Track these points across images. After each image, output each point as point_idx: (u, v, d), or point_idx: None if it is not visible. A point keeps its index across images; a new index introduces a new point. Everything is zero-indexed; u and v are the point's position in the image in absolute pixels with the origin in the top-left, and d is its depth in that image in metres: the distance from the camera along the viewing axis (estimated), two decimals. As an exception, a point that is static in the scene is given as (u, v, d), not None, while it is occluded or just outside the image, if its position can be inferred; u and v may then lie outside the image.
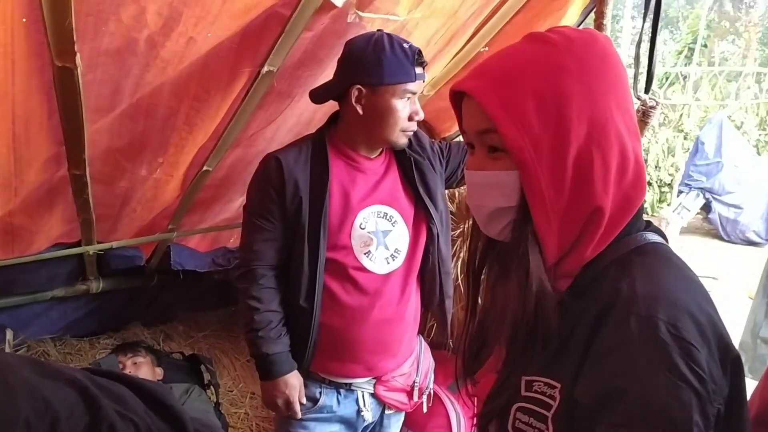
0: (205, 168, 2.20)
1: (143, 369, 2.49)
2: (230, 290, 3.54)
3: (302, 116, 2.06)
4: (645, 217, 0.83)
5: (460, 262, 2.15)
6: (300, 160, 1.50)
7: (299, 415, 1.54)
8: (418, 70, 1.46)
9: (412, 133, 1.53)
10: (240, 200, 2.61)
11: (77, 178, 1.92)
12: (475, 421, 0.87)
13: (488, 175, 0.80)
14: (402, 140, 1.52)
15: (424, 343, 1.76)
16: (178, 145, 1.96)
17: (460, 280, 2.07)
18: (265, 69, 1.68)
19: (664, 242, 0.80)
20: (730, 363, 0.69)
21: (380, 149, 1.58)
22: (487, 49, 2.11)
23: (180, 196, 2.40)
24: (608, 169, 0.74)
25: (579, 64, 0.74)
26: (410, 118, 1.49)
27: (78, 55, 1.35)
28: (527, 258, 0.78)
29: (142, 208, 2.36)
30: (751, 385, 0.77)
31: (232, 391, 2.79)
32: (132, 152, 1.94)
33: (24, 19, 1.25)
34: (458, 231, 2.24)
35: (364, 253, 1.51)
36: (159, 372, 2.58)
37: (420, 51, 1.47)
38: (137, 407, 1.01)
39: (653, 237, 0.78)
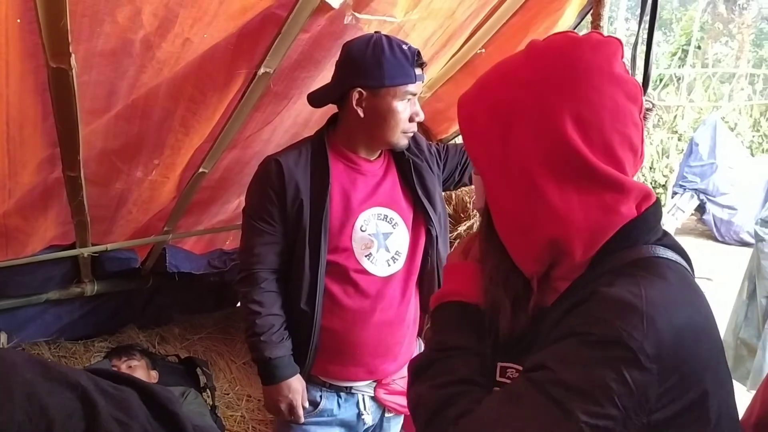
0: (201, 170, 2.18)
1: (138, 372, 2.47)
2: (226, 292, 3.53)
3: (299, 117, 2.05)
4: None
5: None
6: (300, 163, 1.50)
7: (302, 419, 1.53)
8: (418, 71, 1.46)
9: (412, 134, 1.53)
10: (236, 202, 2.60)
11: (72, 180, 1.91)
12: None
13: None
14: (403, 142, 1.52)
15: (424, 346, 1.75)
16: (173, 146, 1.94)
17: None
18: (262, 70, 1.67)
19: (675, 258, 0.76)
20: (695, 398, 0.68)
21: (380, 151, 1.58)
22: (484, 50, 2.11)
23: (176, 198, 2.39)
24: (561, 180, 0.73)
25: (538, 76, 0.75)
26: (411, 119, 1.49)
27: (73, 56, 1.34)
28: (489, 264, 0.83)
29: (137, 209, 2.34)
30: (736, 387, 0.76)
31: (228, 394, 2.77)
32: (127, 154, 1.93)
33: (18, 20, 1.23)
34: (455, 233, 2.23)
35: (365, 256, 1.50)
36: (154, 375, 2.56)
37: (419, 52, 1.47)
38: (139, 413, 1.00)
39: (661, 251, 0.76)
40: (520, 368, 0.78)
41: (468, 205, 2.37)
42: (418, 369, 0.85)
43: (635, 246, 0.75)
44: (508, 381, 0.81)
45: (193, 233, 2.84)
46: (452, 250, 0.95)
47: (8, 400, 0.84)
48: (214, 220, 2.77)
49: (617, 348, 0.65)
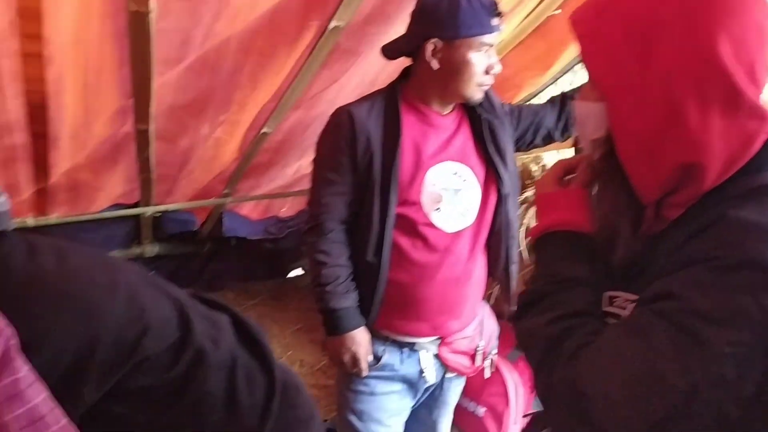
0: (264, 130, 2.19)
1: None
2: (279, 261, 3.55)
3: (366, 77, 2.02)
4: None
5: (523, 229, 2.09)
6: (372, 114, 1.47)
7: (365, 372, 1.51)
8: (495, 21, 1.41)
9: (488, 87, 1.49)
10: (295, 166, 2.60)
11: (142, 134, 1.93)
12: None
13: (583, 105, 0.82)
14: (477, 95, 1.48)
15: (488, 308, 1.72)
16: (241, 102, 1.95)
17: (523, 248, 2.01)
18: (333, 24, 1.65)
19: None
20: None
21: (453, 105, 1.54)
22: (560, 11, 2.03)
23: (237, 160, 2.41)
24: (706, 104, 0.68)
25: None
26: (487, 72, 1.44)
27: (152, -4, 1.34)
28: (609, 192, 0.80)
29: (200, 169, 2.36)
30: None
31: (281, 358, 2.80)
32: (196, 109, 1.94)
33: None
34: (522, 197, 2.18)
35: (434, 210, 1.48)
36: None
37: (496, 1, 1.42)
38: (229, 336, 1.03)
39: None
40: (630, 297, 0.75)
41: (533, 173, 2.32)
42: (528, 302, 0.81)
43: (761, 172, 0.71)
44: (616, 310, 0.77)
45: (251, 198, 2.86)
46: (541, 179, 0.91)
47: (112, 294, 0.87)
48: (272, 185, 2.78)
49: (753, 272, 0.62)
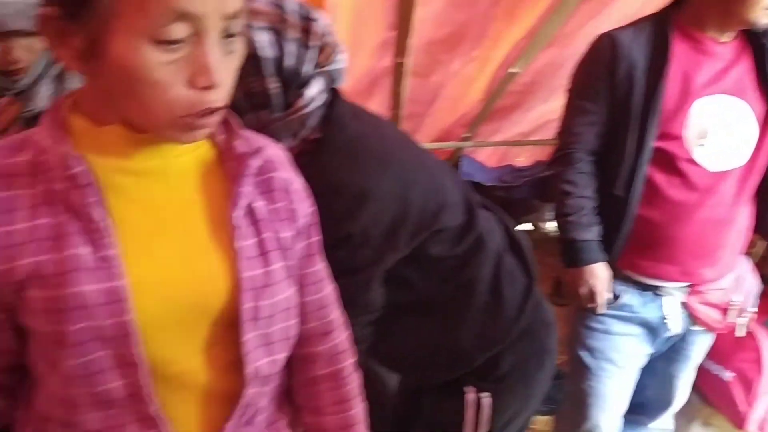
0: (513, 69, 2.19)
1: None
2: (511, 212, 3.55)
3: (628, 12, 1.90)
4: None
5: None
6: (638, 40, 1.38)
7: (602, 309, 1.47)
8: None
9: None
10: (539, 110, 2.57)
11: (399, 67, 2.05)
12: None
13: None
14: (764, 19, 1.30)
15: (750, 264, 1.55)
16: (494, 37, 1.97)
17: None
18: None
19: None
20: None
21: (734, 33, 1.38)
22: None
23: (483, 100, 2.45)
24: None
25: None
26: None
27: None
28: None
29: (446, 108, 2.45)
30: None
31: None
32: (450, 44, 2.00)
33: None
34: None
35: (698, 146, 1.35)
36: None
37: None
38: (499, 234, 1.12)
39: None
40: None
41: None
42: None
43: None
44: None
45: (490, 143, 2.91)
46: None
47: (421, 167, 1.01)
48: (512, 130, 2.79)
49: None
